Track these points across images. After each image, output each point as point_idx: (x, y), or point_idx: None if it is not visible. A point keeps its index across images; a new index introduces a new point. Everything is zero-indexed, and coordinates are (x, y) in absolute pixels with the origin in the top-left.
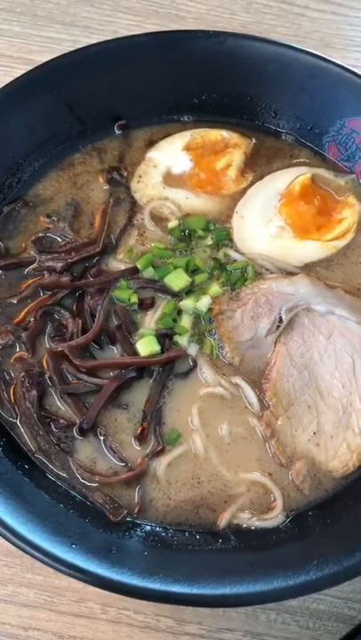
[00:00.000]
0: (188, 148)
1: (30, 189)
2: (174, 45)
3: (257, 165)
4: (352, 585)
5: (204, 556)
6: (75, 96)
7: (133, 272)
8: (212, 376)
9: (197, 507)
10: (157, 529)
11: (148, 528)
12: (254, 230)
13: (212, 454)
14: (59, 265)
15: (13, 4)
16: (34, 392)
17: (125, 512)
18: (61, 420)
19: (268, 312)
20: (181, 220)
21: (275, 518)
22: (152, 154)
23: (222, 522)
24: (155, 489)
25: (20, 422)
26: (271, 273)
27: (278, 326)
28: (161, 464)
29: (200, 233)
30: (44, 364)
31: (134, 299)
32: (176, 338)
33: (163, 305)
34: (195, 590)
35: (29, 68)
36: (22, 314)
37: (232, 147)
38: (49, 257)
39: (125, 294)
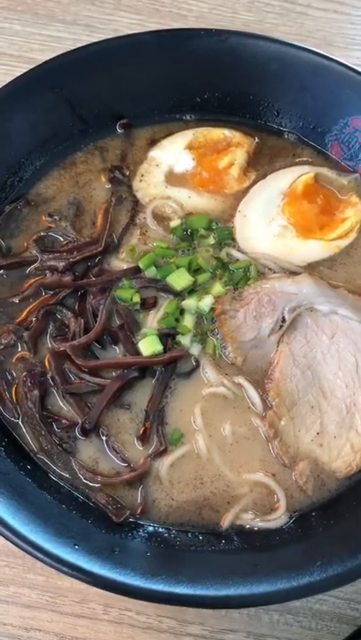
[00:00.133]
0: (190, 147)
1: (32, 188)
2: (176, 44)
3: (260, 164)
4: (355, 586)
5: (206, 556)
6: (76, 95)
7: (136, 271)
8: (215, 376)
9: (200, 507)
10: (160, 530)
11: (151, 529)
12: (257, 229)
13: (215, 454)
14: (61, 264)
15: (14, 3)
16: (36, 392)
17: (128, 513)
18: (64, 421)
19: (271, 312)
20: (184, 219)
21: (278, 519)
22: (154, 153)
23: (225, 522)
24: (157, 489)
25: (22, 422)
26: (274, 272)
27: (281, 326)
28: (163, 464)
29: (202, 232)
30: (47, 363)
31: (136, 298)
32: (179, 337)
33: (165, 304)
34: (198, 591)
35: (30, 66)
36: (24, 313)
37: (234, 146)
38: (51, 256)
39: (128, 294)
